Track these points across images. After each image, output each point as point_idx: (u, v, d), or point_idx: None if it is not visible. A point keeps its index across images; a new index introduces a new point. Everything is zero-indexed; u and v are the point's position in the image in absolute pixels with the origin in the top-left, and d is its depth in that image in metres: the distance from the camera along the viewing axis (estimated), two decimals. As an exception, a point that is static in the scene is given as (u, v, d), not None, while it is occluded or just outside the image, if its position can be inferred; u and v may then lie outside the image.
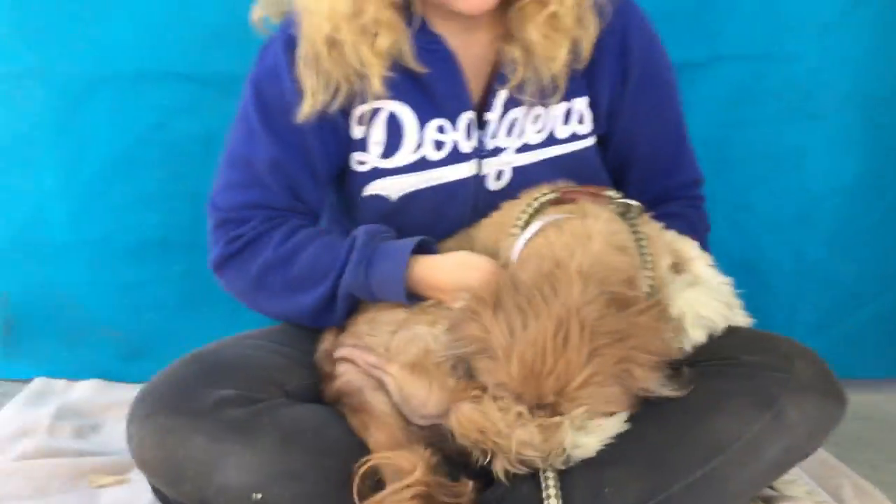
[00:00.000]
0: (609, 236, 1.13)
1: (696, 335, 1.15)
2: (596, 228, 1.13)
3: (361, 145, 1.35)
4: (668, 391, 1.04)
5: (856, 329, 1.95)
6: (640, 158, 1.43)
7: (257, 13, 1.37)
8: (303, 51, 1.27)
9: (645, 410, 1.06)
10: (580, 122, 1.37)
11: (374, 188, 1.35)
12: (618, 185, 1.41)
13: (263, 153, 1.32)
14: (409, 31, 1.28)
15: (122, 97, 1.83)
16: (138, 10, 1.80)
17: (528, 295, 1.03)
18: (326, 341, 1.30)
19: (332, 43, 1.24)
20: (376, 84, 1.26)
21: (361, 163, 1.35)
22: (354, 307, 1.29)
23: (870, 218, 1.93)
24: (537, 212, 1.22)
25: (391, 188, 1.34)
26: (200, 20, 1.80)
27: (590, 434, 1.01)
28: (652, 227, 1.26)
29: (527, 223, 1.20)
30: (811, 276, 1.93)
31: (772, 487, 1.30)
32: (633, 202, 1.25)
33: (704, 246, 1.36)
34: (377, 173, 1.35)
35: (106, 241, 1.86)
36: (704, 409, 1.08)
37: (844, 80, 1.87)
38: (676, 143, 1.47)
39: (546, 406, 0.99)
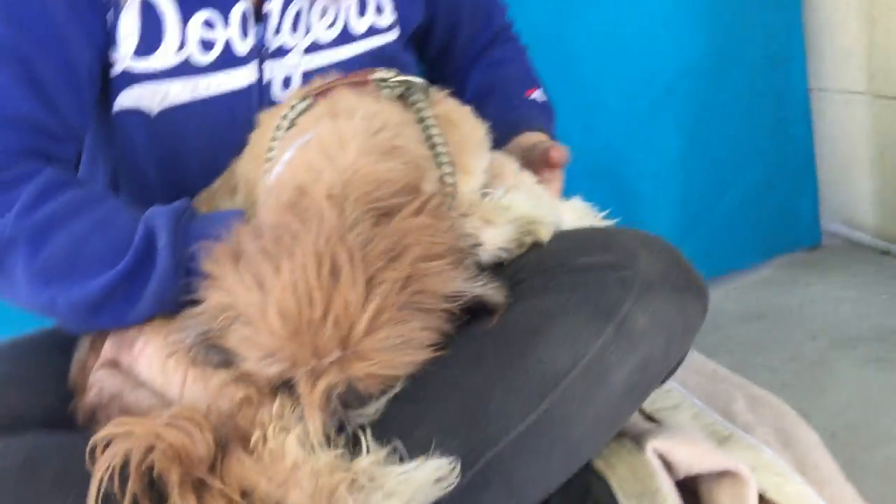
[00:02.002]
0: (368, 138, 0.88)
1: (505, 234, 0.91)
2: (350, 132, 0.88)
3: (113, 37, 1.04)
4: (483, 288, 0.81)
5: (724, 218, 1.85)
6: (466, 19, 1.30)
7: None
8: None
9: (453, 349, 0.83)
10: (378, 11, 1.15)
11: (128, 98, 1.05)
12: (440, 68, 1.33)
13: None
14: None
15: None
16: None
17: (274, 236, 0.79)
18: (82, 348, 0.98)
19: None
20: None
21: (113, 63, 1.05)
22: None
23: (722, 96, 1.81)
24: (290, 128, 0.96)
25: (150, 99, 1.05)
26: None
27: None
28: (451, 108, 1.01)
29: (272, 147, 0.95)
30: (671, 171, 1.80)
31: (652, 418, 1.14)
32: (416, 79, 1.00)
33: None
34: (129, 78, 1.05)
35: None
36: (527, 334, 0.85)
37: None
38: None
39: (330, 368, 0.75)
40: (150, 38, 1.03)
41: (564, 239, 0.95)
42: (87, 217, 0.93)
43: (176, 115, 1.06)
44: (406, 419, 0.81)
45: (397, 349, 0.76)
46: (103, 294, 0.90)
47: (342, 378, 0.75)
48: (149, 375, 0.91)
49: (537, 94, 1.26)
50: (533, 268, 0.92)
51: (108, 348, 0.94)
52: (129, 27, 1.02)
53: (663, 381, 0.94)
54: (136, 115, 1.05)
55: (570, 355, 0.83)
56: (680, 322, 0.88)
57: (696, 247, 1.80)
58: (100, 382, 0.93)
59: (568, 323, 0.85)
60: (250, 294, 0.76)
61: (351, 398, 0.78)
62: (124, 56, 1.03)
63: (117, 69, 1.04)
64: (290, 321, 0.74)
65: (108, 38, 1.03)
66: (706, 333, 1.53)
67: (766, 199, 1.90)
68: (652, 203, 1.78)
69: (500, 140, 1.08)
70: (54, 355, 0.99)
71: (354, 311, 0.74)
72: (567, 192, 1.76)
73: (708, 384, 1.27)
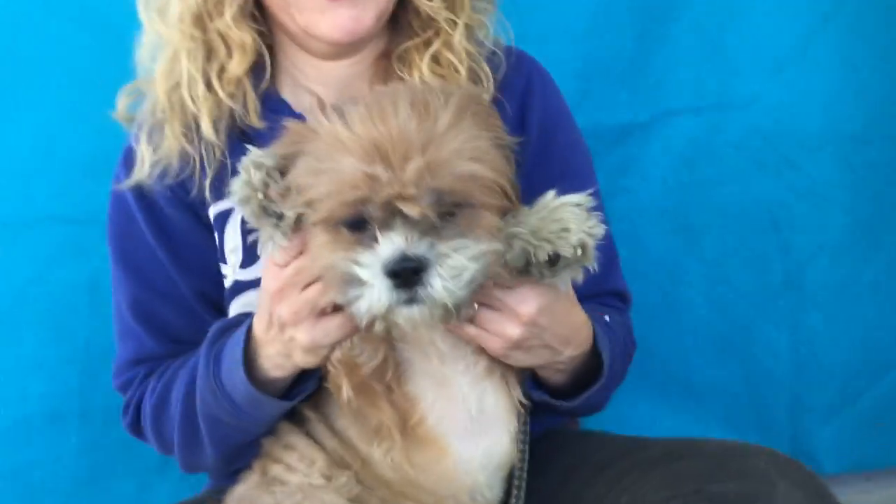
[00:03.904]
0: None
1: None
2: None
3: (222, 255, 1.16)
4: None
5: (873, 410, 1.67)
6: None
7: (122, 103, 1.23)
8: (143, 119, 1.18)
9: None
10: None
11: (238, 306, 1.15)
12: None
13: (122, 294, 1.19)
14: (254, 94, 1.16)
15: (-8, 250, 1.60)
16: None
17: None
18: None
19: (173, 88, 1.15)
20: (207, 127, 1.12)
21: (225, 276, 1.17)
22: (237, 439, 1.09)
23: (868, 274, 1.67)
24: None
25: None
26: (72, 154, 1.57)
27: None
28: None
29: None
30: (810, 351, 1.66)
31: None
32: None
33: (622, 366, 1.16)
34: (238, 287, 1.15)
35: (-15, 421, 1.61)
36: None
37: (811, 121, 1.64)
38: None
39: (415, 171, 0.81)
40: (252, 250, 1.09)
41: (698, 457, 0.94)
42: (178, 378, 1.11)
43: None
44: None
45: (474, 153, 0.84)
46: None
47: (427, 174, 0.81)
48: None
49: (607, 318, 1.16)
50: (663, 488, 0.91)
51: None
52: (231, 243, 1.14)
53: None
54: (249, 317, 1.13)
55: None
56: None
57: (841, 435, 1.66)
58: None
59: None
60: (328, 125, 0.86)
61: (438, 206, 0.83)
62: (233, 269, 1.14)
63: (228, 282, 1.15)
64: (372, 126, 0.83)
65: (218, 257, 1.16)
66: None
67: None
68: (787, 386, 1.65)
69: None
70: None
71: (435, 111, 0.84)
72: (690, 369, 1.68)
73: None
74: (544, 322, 0.95)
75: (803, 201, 1.64)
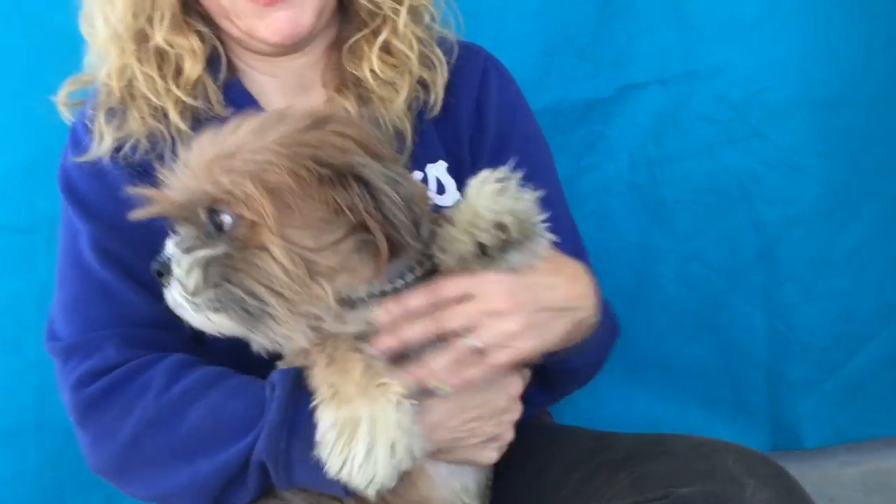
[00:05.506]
0: None
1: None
2: None
3: None
4: (386, 185, 0.85)
5: (852, 382, 1.63)
6: None
7: (65, 90, 1.18)
8: (97, 102, 1.12)
9: None
10: (440, 192, 1.14)
11: None
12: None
13: None
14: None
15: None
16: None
17: None
18: None
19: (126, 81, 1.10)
20: (174, 117, 1.08)
21: None
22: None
23: (845, 244, 1.62)
24: None
25: None
26: (12, 161, 1.50)
27: None
28: None
29: None
30: (786, 326, 1.62)
31: None
32: None
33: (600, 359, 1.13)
34: None
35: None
36: None
37: (781, 88, 1.58)
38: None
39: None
40: None
41: (664, 457, 0.92)
42: (222, 387, 0.97)
43: None
44: None
45: (245, 166, 0.84)
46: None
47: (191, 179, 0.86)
48: None
49: None
50: (630, 492, 0.89)
51: None
52: None
53: None
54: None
55: None
56: None
57: (820, 408, 1.62)
58: None
59: None
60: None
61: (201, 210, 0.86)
62: None
63: None
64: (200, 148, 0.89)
65: None
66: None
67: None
68: (763, 361, 1.62)
69: None
70: None
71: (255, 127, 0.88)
72: (665, 348, 1.64)
73: None
74: (526, 298, 0.90)
75: (774, 172, 1.59)
